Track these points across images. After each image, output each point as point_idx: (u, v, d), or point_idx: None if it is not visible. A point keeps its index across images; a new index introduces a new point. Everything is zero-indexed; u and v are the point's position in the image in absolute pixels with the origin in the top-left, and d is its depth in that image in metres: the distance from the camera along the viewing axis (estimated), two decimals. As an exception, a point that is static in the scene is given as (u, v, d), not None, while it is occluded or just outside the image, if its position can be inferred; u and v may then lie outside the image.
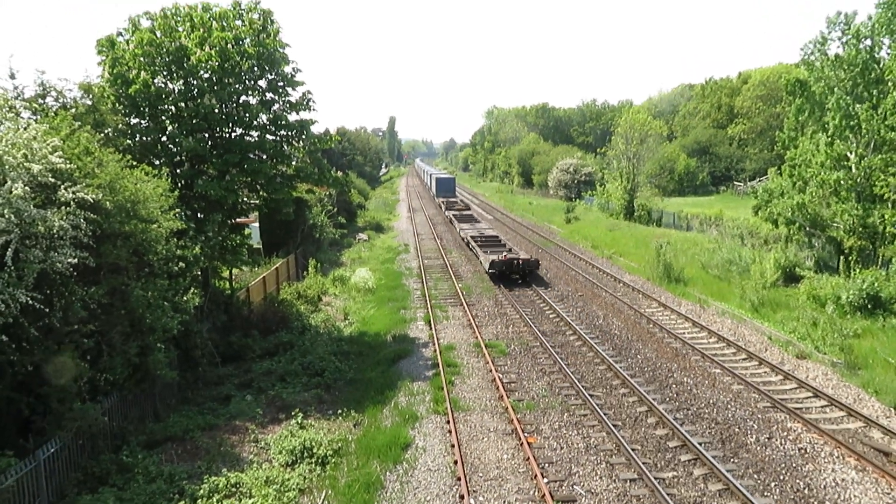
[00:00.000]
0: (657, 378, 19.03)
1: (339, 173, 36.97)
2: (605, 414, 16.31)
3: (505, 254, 33.04)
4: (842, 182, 28.13)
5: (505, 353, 21.52)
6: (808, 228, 30.47)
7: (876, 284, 23.53)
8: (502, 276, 32.08)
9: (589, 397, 17.22)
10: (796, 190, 30.27)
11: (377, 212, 67.67)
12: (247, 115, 20.57)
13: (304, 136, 21.51)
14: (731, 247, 34.80)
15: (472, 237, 39.61)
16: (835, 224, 29.12)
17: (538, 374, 19.53)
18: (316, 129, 22.13)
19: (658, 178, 63.11)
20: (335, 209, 48.04)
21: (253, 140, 20.95)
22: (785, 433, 15.36)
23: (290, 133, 21.47)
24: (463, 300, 28.62)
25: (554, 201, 75.27)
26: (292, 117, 21.54)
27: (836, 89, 28.66)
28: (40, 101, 16.11)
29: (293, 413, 16.23)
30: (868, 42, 28.32)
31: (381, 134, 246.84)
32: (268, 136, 21.20)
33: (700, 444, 14.68)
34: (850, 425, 15.72)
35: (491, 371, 19.54)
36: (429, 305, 27.97)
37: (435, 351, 21.66)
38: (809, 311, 23.95)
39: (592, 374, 19.39)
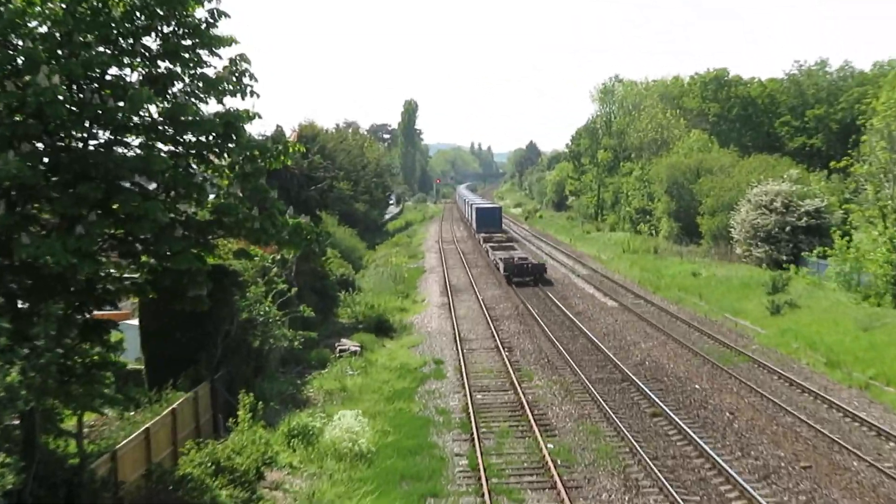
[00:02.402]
0: None
1: (304, 217, 26.93)
2: None
3: (516, 259, 61.79)
4: None
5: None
6: None
7: None
8: (514, 275, 58.38)
9: None
10: None
11: (379, 294, 57.92)
12: (120, 104, 16.21)
13: (232, 144, 17.28)
14: None
15: (501, 258, 63.85)
16: None
17: None
18: (258, 127, 15.40)
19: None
20: (293, 289, 38.76)
21: (131, 154, 16.83)
22: None
23: (205, 139, 17.27)
24: (558, 479, 21.06)
25: (744, 268, 56.05)
26: (209, 108, 17.45)
27: None
28: None
29: None
30: None
31: (388, 137, 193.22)
32: (160, 144, 17.14)
33: None
34: None
35: None
36: (485, 489, 20.64)
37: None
38: None
39: None
